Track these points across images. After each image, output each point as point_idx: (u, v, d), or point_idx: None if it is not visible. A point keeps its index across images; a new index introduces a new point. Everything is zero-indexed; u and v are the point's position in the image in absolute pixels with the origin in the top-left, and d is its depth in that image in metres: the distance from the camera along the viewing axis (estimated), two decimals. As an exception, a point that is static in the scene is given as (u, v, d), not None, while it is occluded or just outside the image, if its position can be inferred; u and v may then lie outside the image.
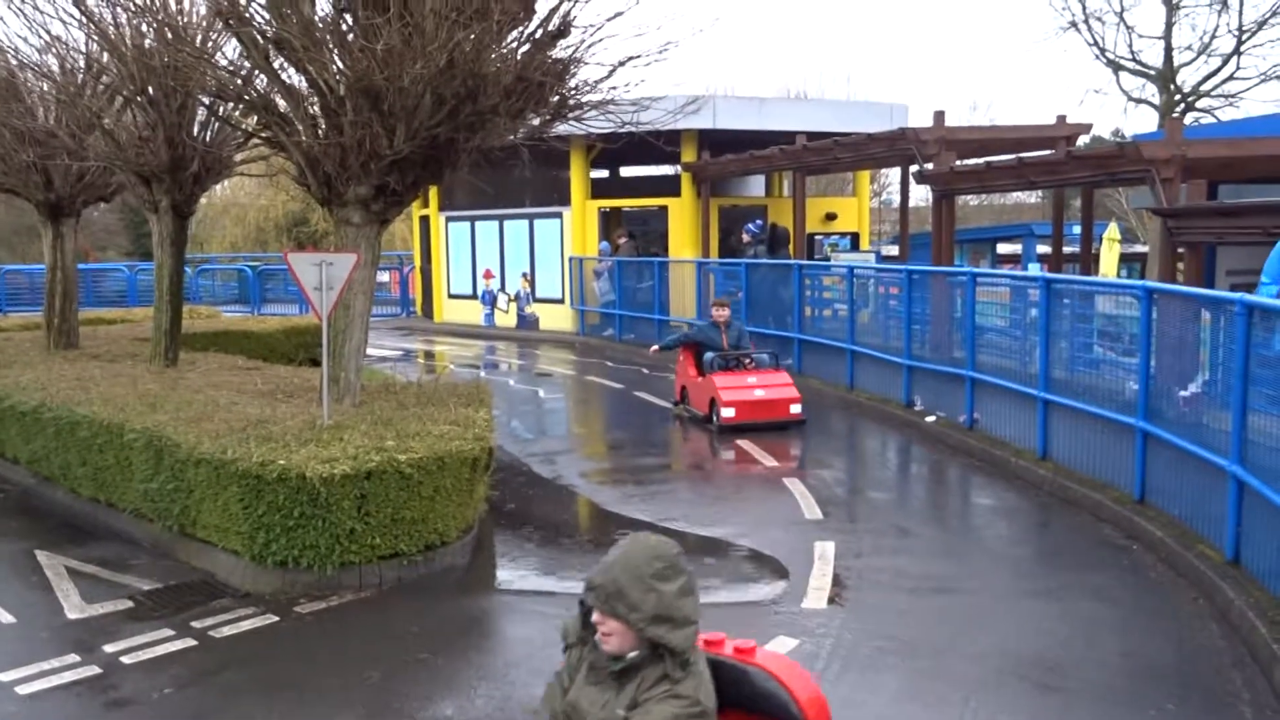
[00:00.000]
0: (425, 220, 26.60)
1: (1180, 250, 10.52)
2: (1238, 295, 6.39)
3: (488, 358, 19.84)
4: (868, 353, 13.50)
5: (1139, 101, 31.36)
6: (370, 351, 9.80)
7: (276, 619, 6.17)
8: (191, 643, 5.84)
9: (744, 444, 10.86)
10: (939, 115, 15.49)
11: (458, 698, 5.09)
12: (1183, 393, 7.69)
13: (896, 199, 51.97)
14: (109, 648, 5.75)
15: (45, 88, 11.42)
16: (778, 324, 16.16)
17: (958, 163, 14.62)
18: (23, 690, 5.25)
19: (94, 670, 5.48)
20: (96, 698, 5.18)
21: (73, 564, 7.25)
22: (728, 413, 11.23)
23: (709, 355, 11.99)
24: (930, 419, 11.55)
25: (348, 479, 6.41)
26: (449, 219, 25.63)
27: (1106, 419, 8.44)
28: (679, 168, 22.35)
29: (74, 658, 5.64)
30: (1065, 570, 6.96)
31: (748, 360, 12.06)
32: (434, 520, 6.93)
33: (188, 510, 7.17)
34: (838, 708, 4.90)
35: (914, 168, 17.50)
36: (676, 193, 22.28)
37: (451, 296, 25.95)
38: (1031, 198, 52.82)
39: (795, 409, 11.51)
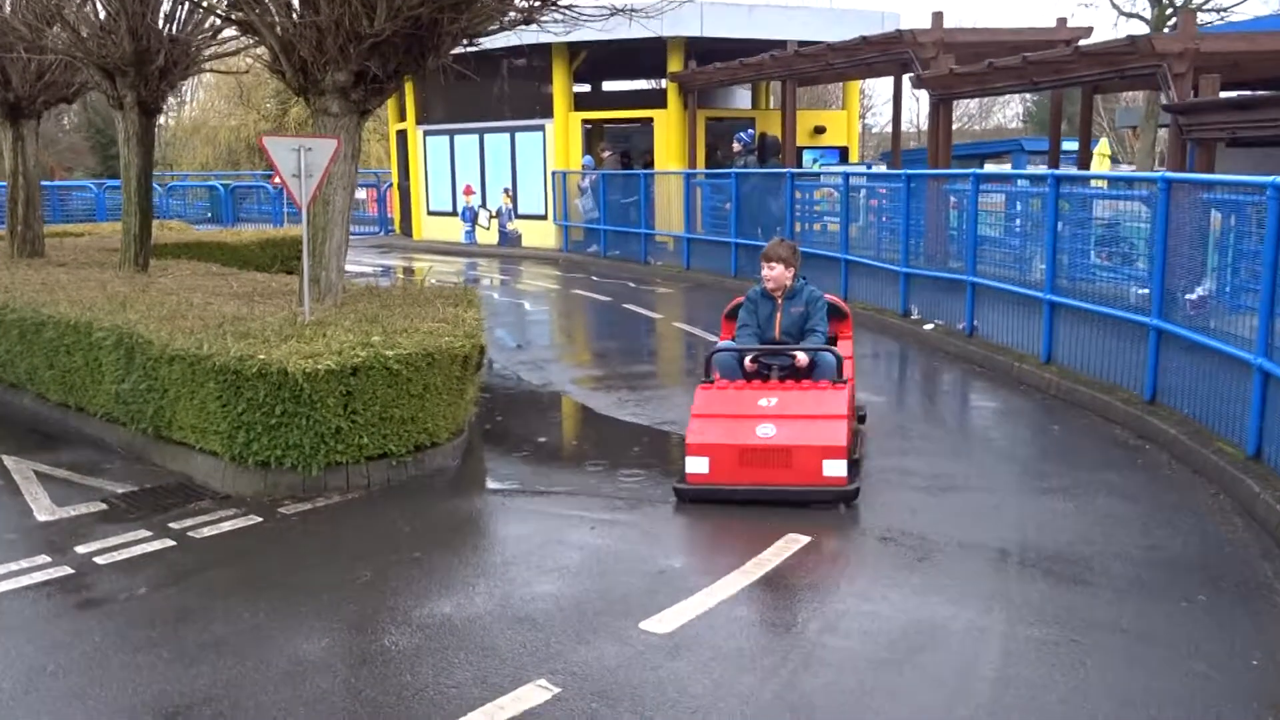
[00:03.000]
0: (402, 135, 25.88)
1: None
2: (1269, 179, 6.06)
3: (469, 274, 19.39)
4: (863, 262, 13.18)
5: (1129, 15, 30.71)
6: (348, 268, 9.37)
7: (260, 520, 5.86)
8: (170, 543, 5.52)
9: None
10: (937, 16, 14.97)
11: (455, 595, 4.81)
12: (1199, 289, 7.42)
13: (879, 121, 51.33)
14: (81, 549, 5.43)
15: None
16: (768, 235, 15.77)
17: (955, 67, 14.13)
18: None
19: (65, 570, 5.16)
20: (68, 597, 4.87)
21: (42, 468, 6.90)
22: (695, 466, 5.98)
23: (722, 354, 6.80)
24: (928, 327, 11.28)
25: (332, 375, 6.06)
26: (427, 133, 24.93)
27: (1117, 319, 8.16)
28: (664, 80, 21.71)
29: (44, 558, 5.32)
30: (1077, 469, 6.73)
31: (789, 363, 6.57)
32: (424, 420, 6.60)
33: (162, 411, 6.81)
34: (857, 603, 4.70)
35: (909, 76, 17.01)
36: (662, 105, 21.68)
37: (431, 213, 25.37)
38: (1014, 122, 52.22)
39: (834, 468, 5.87)
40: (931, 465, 6.82)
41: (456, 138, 24.31)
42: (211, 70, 11.89)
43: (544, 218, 22.75)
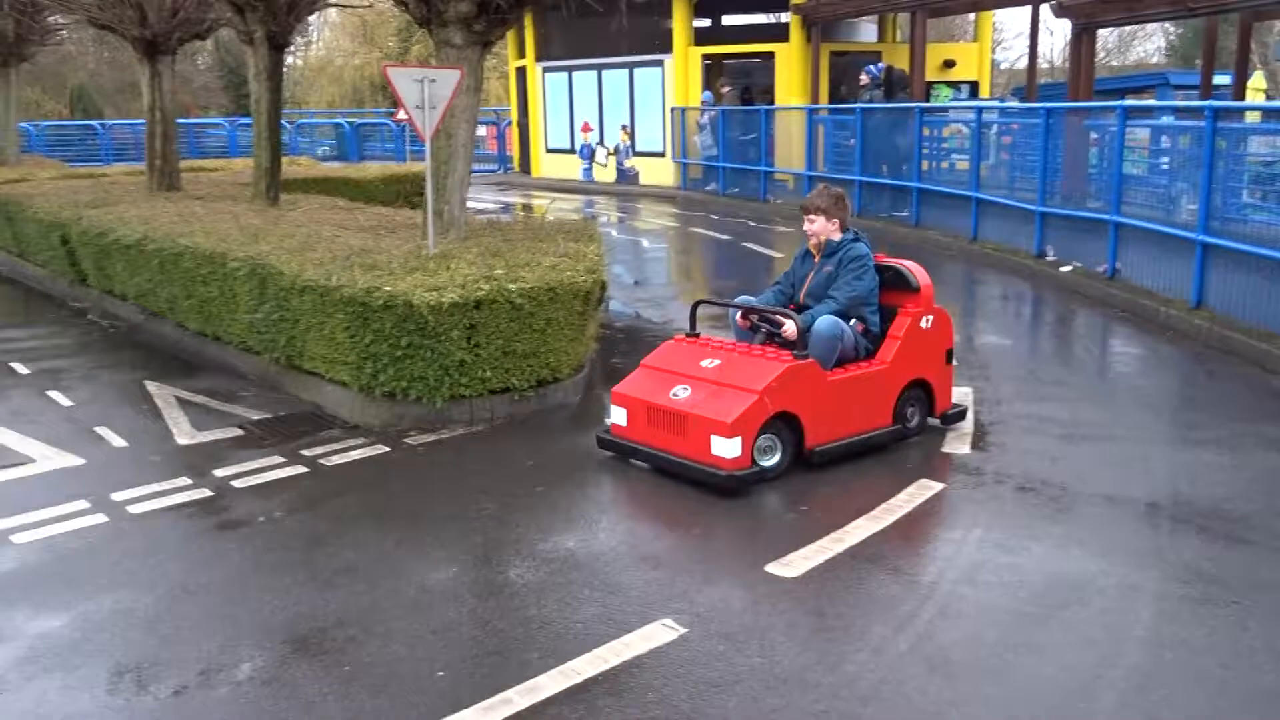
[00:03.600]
0: (521, 72, 25.84)
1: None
2: None
3: (587, 211, 19.33)
4: (995, 200, 12.61)
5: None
6: (469, 205, 9.37)
7: (387, 450, 5.94)
8: (302, 470, 5.64)
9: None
10: (1084, -61, 14.04)
11: (579, 531, 4.78)
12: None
13: (1008, 57, 49.01)
14: (219, 472, 5.60)
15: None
16: (893, 173, 15.27)
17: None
18: (134, 510, 5.12)
19: (205, 493, 5.33)
20: (209, 518, 5.02)
21: (182, 394, 7.14)
22: (616, 417, 5.69)
23: (707, 306, 6.74)
24: (1066, 269, 10.74)
25: (456, 308, 6.06)
26: (546, 70, 24.82)
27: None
28: (786, 14, 21.06)
29: (185, 480, 5.50)
30: (1234, 420, 6.31)
31: (775, 329, 5.75)
32: (546, 355, 6.58)
33: (293, 341, 6.95)
34: (995, 555, 4.49)
35: (1048, 3, 16.09)
36: (784, 38, 21.07)
37: (549, 151, 25.36)
38: (1155, 56, 48.94)
39: (721, 447, 5.07)
40: (1072, 412, 6.48)
41: (575, 74, 24.15)
42: (337, 4, 11.96)
43: (662, 155, 22.50)
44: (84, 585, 4.33)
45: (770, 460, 5.29)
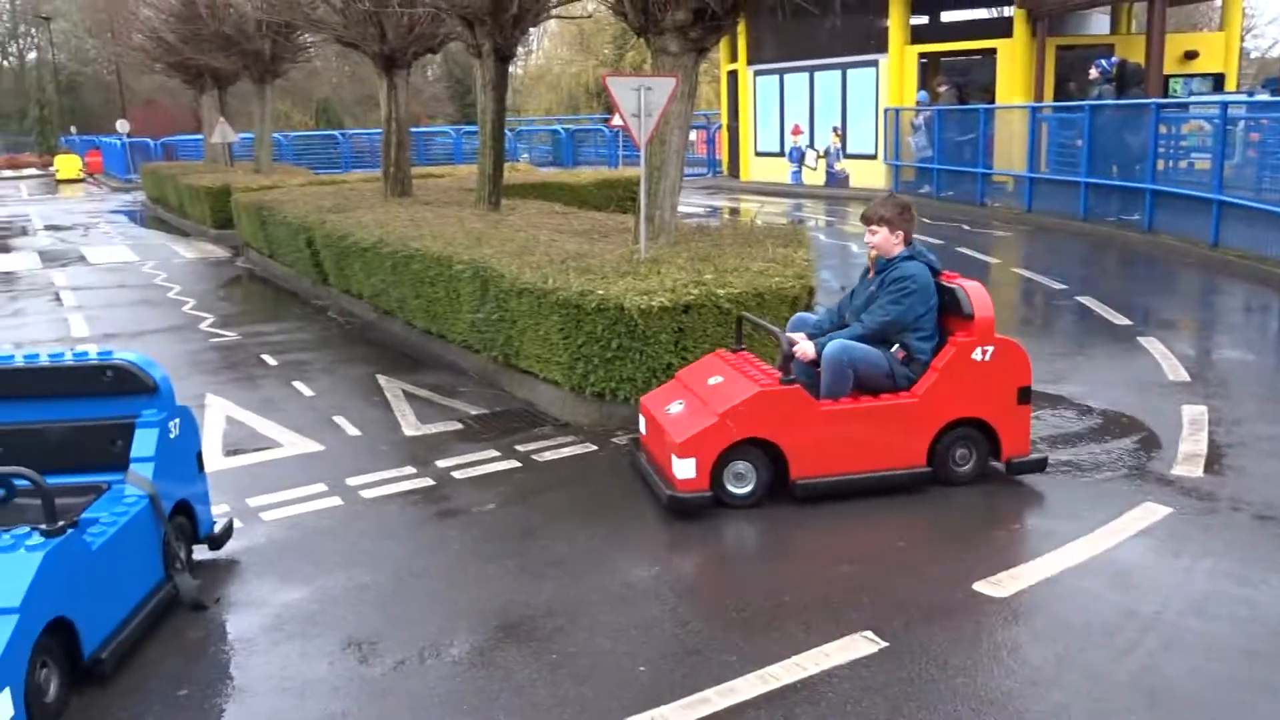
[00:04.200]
0: (733, 75, 25.95)
1: None
2: None
3: (795, 214, 19.23)
4: (1241, 203, 11.67)
5: None
6: (678, 210, 9.53)
7: (595, 448, 6.14)
8: (516, 464, 5.92)
9: (1086, 301, 9.80)
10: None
11: (782, 535, 4.79)
12: None
13: (1259, 45, 45.03)
14: (441, 463, 5.95)
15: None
16: (1124, 174, 14.39)
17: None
18: (367, 494, 5.53)
19: (428, 482, 5.68)
20: (431, 506, 5.35)
21: (409, 388, 7.63)
22: (641, 426, 5.72)
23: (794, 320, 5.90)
24: (1321, 278, 9.83)
25: (665, 311, 6.19)
26: (757, 73, 24.84)
27: None
28: (1010, 7, 20.21)
29: (410, 469, 5.89)
30: None
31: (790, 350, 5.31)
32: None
33: (511, 341, 7.29)
34: (1228, 586, 4.19)
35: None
36: (1007, 34, 20.22)
37: (758, 154, 25.36)
38: None
39: (679, 468, 4.99)
40: (1324, 437, 5.95)
41: (786, 76, 24.05)
42: (558, 16, 12.42)
43: (873, 157, 22.07)
44: (322, 562, 4.72)
45: (742, 488, 5.05)
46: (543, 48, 50.17)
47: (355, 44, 12.93)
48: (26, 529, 3.51)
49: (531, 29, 11.90)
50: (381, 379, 7.89)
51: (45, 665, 3.37)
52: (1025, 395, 5.28)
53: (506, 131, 26.94)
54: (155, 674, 3.79)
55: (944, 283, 5.42)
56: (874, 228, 5.46)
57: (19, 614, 3.22)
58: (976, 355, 5.19)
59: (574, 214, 10.92)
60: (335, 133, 33.38)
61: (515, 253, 7.69)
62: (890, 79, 21.46)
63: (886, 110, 21.33)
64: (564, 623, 4.05)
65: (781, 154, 24.49)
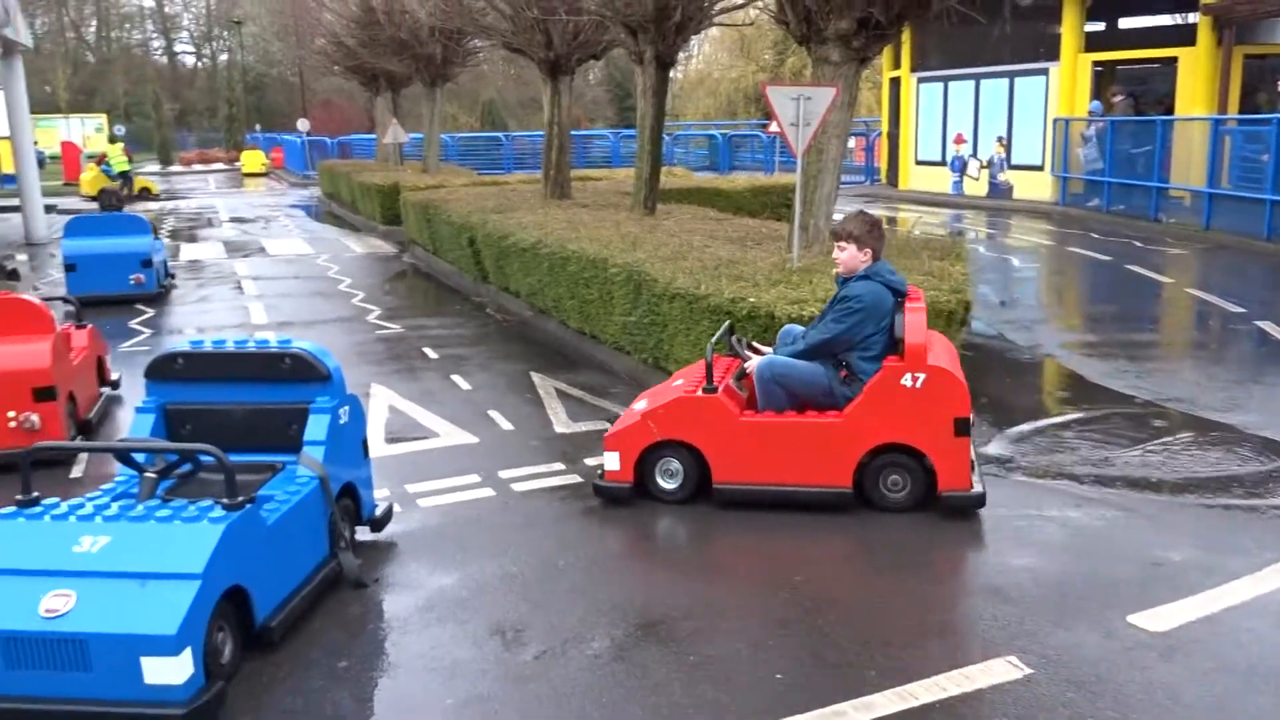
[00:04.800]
0: (895, 82, 25.50)
1: None
2: None
3: (954, 225, 18.75)
4: None
5: None
6: (832, 218, 9.49)
7: (740, 454, 6.17)
8: (661, 466, 6.01)
9: (1266, 326, 9.25)
10: None
11: (926, 554, 4.72)
12: None
13: None
14: (590, 461, 6.10)
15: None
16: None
17: None
18: (517, 487, 5.73)
19: (576, 479, 5.83)
20: (578, 502, 5.50)
21: (561, 386, 7.83)
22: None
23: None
24: None
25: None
26: (920, 80, 24.34)
27: None
28: (1194, 14, 19.17)
29: (560, 465, 6.06)
30: None
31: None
32: (902, 373, 6.52)
33: (661, 344, 7.40)
34: None
35: None
36: (1190, 41, 19.18)
37: (918, 163, 24.84)
38: None
39: (607, 460, 5.43)
40: None
41: (951, 84, 23.47)
42: (720, 24, 12.50)
43: (1039, 168, 21.31)
44: (473, 549, 4.92)
45: (671, 484, 5.34)
46: (703, 52, 50.37)
47: (522, 50, 13.34)
48: (210, 502, 3.80)
49: (692, 35, 12.01)
50: (535, 376, 8.13)
51: (222, 629, 3.64)
52: (962, 427, 5.04)
53: (665, 136, 27.22)
54: (318, 645, 4.04)
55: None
56: (842, 244, 5.39)
57: (201, 580, 3.49)
58: (906, 381, 5.05)
59: (728, 220, 10.98)
60: (499, 135, 34.38)
61: (669, 257, 7.80)
62: (1061, 88, 20.68)
63: (1056, 120, 20.56)
64: (703, 625, 4.12)
65: (943, 163, 23.92)
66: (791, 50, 39.97)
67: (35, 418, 6.20)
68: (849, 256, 5.37)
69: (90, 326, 7.72)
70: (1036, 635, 3.96)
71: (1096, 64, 20.75)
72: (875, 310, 5.18)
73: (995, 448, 6.25)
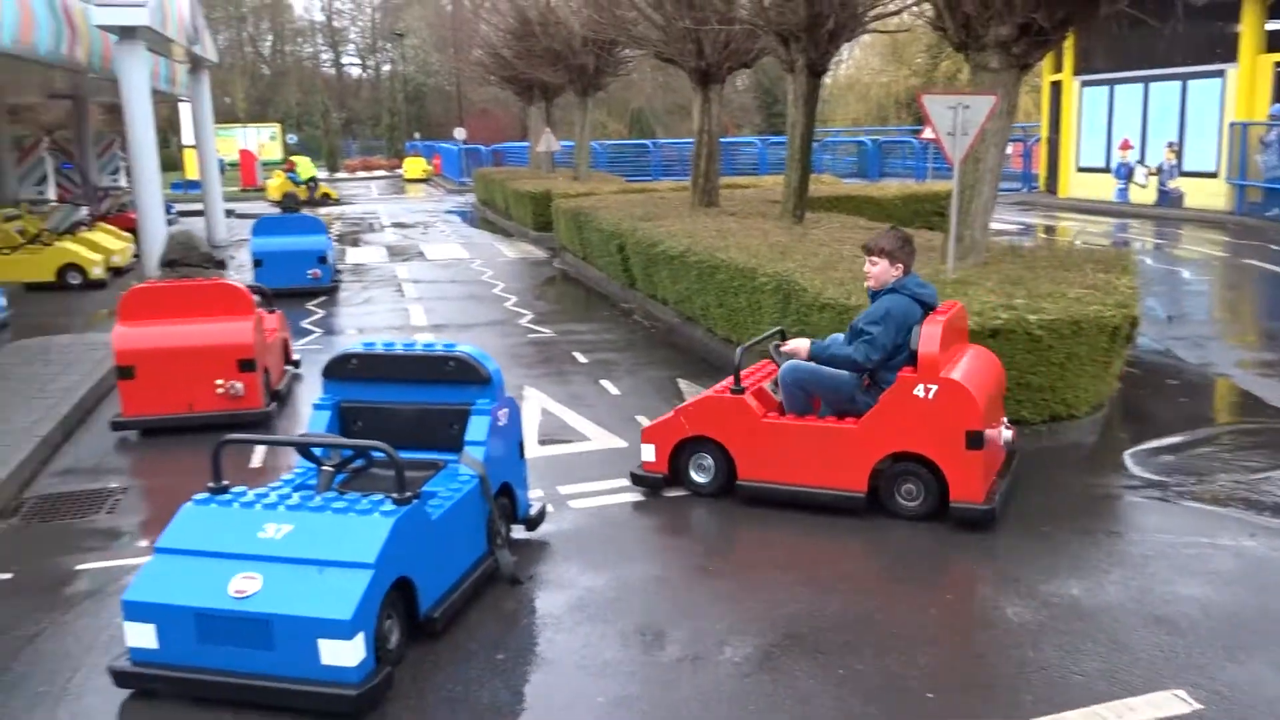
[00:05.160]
0: (1056, 86, 24.61)
1: None
2: None
3: (1118, 235, 17.96)
4: None
5: None
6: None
7: (889, 468, 6.10)
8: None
9: None
10: None
11: (1085, 579, 4.58)
12: None
13: None
14: (736, 469, 6.13)
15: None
16: None
17: None
18: (665, 492, 5.79)
19: (723, 487, 5.88)
20: (724, 509, 5.51)
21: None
22: None
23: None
24: None
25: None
26: (1084, 84, 23.42)
27: None
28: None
29: (707, 473, 6.11)
30: None
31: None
32: (1062, 390, 6.33)
33: (809, 354, 7.37)
34: None
35: None
36: (1392, 39, 17.86)
37: (1080, 170, 23.91)
38: None
39: (645, 451, 5.79)
40: None
41: (1117, 88, 22.49)
42: (874, 31, 12.35)
43: (1213, 175, 20.20)
44: (623, 551, 5.03)
45: (703, 478, 5.64)
46: (853, 57, 49.68)
47: (673, 59, 13.47)
48: (380, 496, 4.01)
49: (845, 43, 11.91)
50: (682, 383, 8.21)
51: (390, 617, 3.84)
52: (974, 440, 5.02)
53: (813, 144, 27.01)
54: (476, 637, 4.21)
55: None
56: (874, 259, 5.49)
57: (374, 569, 3.69)
58: (918, 392, 5.10)
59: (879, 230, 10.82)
60: (647, 142, 34.74)
61: (819, 268, 7.77)
62: (1239, 90, 19.55)
63: (1232, 124, 19.46)
64: (851, 639, 4.10)
65: (1106, 170, 22.94)
66: (945, 54, 39.03)
67: (239, 385, 7.26)
68: (880, 271, 5.47)
69: (279, 312, 8.75)
70: (1207, 669, 3.79)
71: (1279, 64, 19.53)
72: (899, 322, 5.28)
73: (1161, 471, 5.99)
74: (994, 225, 9.53)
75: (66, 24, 13.57)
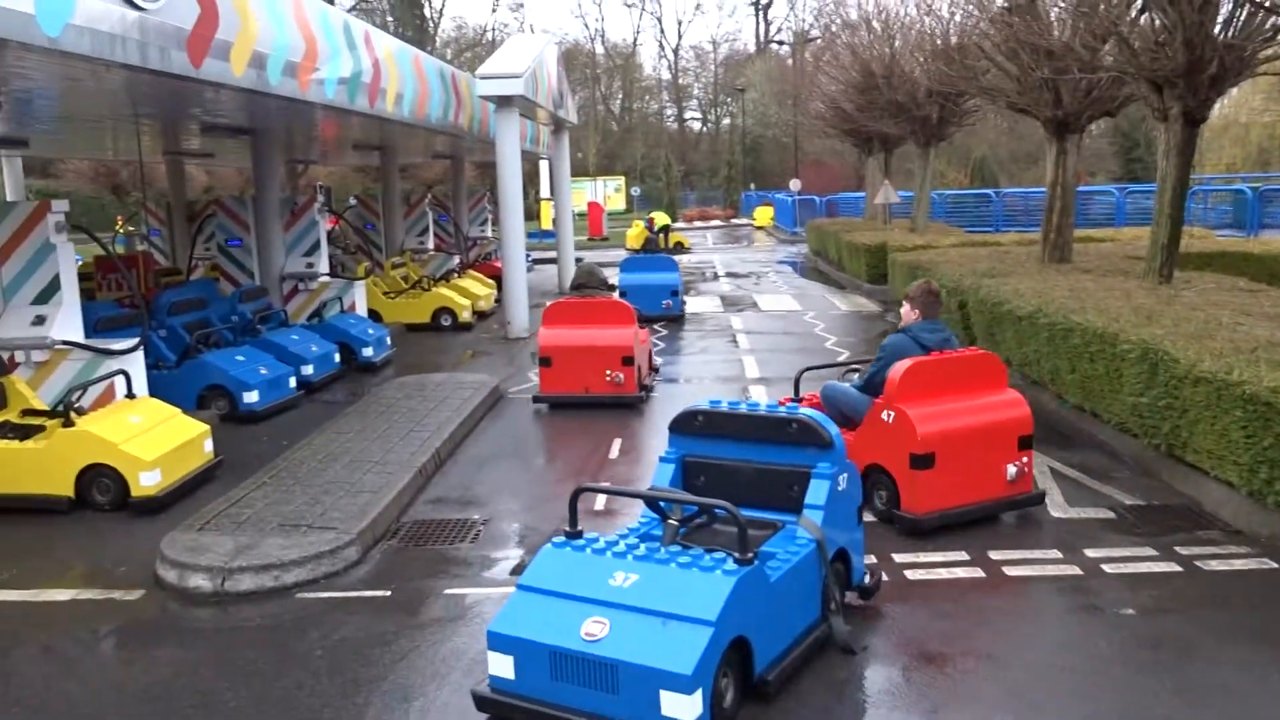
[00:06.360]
0: None
1: None
2: None
3: None
4: None
5: None
6: None
7: (1275, 565, 5.42)
8: (1175, 567, 5.46)
9: None
10: None
11: None
12: None
13: None
14: (1090, 552, 5.70)
15: (1063, 1, 11.63)
16: None
17: None
18: (1010, 570, 5.49)
19: (1075, 570, 5.47)
20: (1076, 596, 5.14)
21: (1056, 465, 7.40)
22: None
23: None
24: None
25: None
26: None
27: None
28: None
29: (1056, 553, 5.72)
30: None
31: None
32: None
33: (1178, 431, 6.73)
34: None
35: None
36: None
37: None
38: None
39: None
40: None
41: None
42: (1265, 73, 11.15)
43: None
44: (961, 629, 4.79)
45: None
46: (1229, 97, 45.14)
47: (1027, 110, 12.89)
48: (723, 554, 4.10)
49: (1230, 87, 10.86)
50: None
51: (726, 675, 3.90)
52: (915, 461, 5.94)
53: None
54: (808, 704, 4.17)
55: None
56: (905, 304, 6.73)
57: (714, 627, 3.77)
58: (885, 416, 6.17)
59: (1263, 292, 9.71)
60: (989, 191, 33.39)
61: (1192, 335, 7.10)
62: None
63: None
64: (1229, 761, 3.66)
65: None
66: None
67: (620, 375, 9.76)
68: (905, 313, 6.70)
69: (647, 329, 10.94)
70: None
71: None
72: (893, 356, 6.35)
73: None
74: None
75: (454, 95, 15.23)
